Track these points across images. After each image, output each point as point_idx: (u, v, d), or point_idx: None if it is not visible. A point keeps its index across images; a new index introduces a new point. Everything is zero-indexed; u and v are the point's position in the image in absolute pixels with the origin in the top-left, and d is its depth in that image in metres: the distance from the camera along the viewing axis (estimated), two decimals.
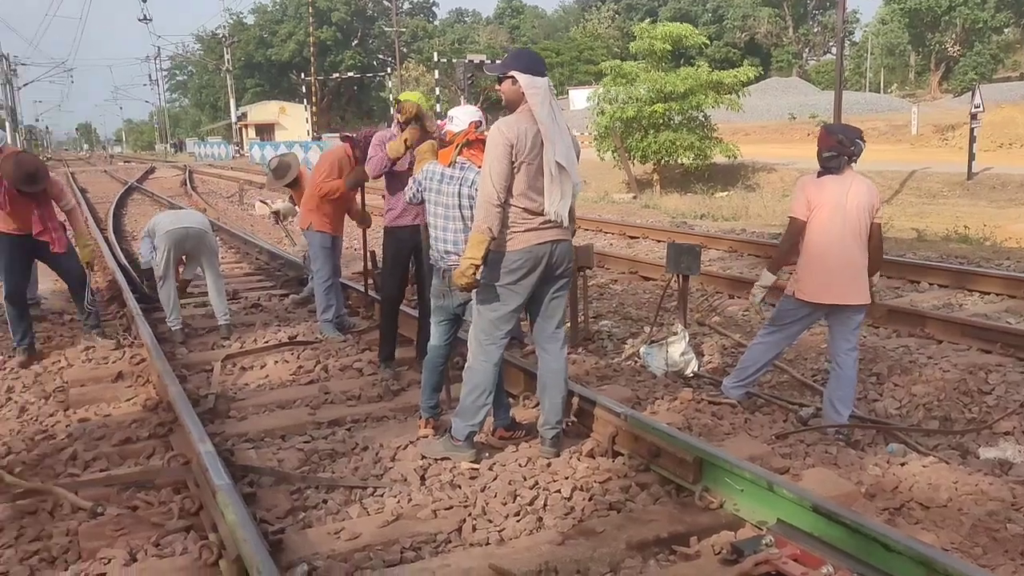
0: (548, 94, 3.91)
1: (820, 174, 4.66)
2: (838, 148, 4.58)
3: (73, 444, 4.58)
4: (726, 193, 20.80)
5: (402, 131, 5.32)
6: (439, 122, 4.95)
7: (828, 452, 4.29)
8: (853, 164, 4.64)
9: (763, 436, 4.48)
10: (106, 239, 12.51)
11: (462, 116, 4.47)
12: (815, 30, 72.87)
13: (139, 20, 59.24)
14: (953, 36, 59.31)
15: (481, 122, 4.44)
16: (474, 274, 3.90)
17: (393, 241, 5.51)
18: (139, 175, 35.48)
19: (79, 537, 3.49)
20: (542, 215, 3.93)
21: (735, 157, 22.32)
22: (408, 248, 5.47)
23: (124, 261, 9.95)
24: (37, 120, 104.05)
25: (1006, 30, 62.86)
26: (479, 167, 4.21)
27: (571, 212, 4.10)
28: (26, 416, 5.14)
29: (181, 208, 6.73)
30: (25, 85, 67.61)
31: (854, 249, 4.59)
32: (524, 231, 3.94)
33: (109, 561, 3.28)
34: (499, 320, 4.09)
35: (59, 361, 6.23)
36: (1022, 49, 61.90)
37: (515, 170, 3.88)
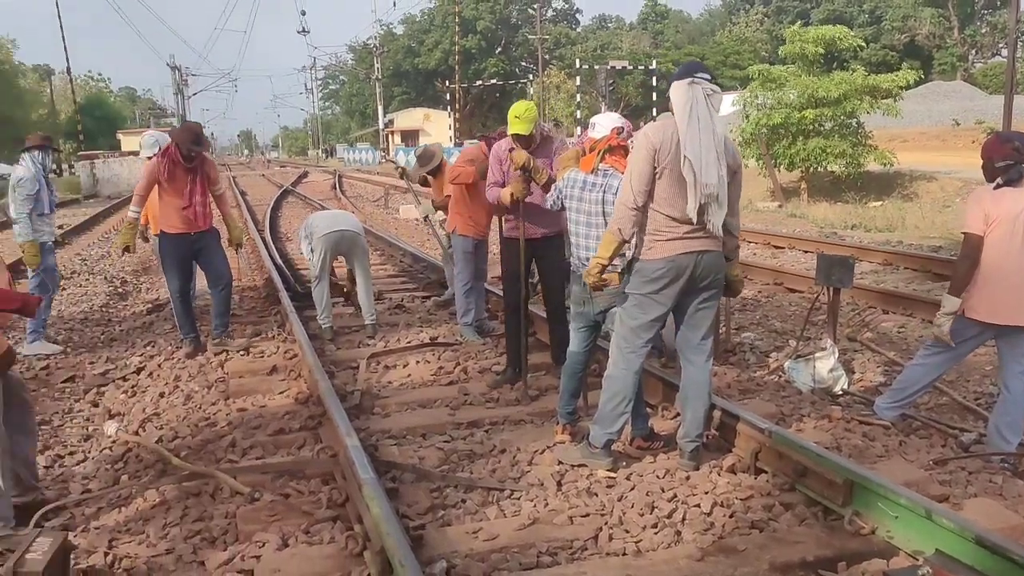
0: (691, 98, 3.79)
1: (997, 186, 4.33)
2: (1015, 156, 4.25)
3: (232, 432, 4.87)
4: (880, 203, 19.78)
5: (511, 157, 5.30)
6: (583, 134, 4.95)
7: (992, 482, 4.00)
8: None
9: (920, 461, 4.23)
10: (263, 239, 13.26)
11: (604, 123, 4.47)
12: (983, 31, 68.22)
13: (298, 32, 62.62)
14: None
15: (623, 128, 4.41)
16: (600, 273, 4.00)
17: (510, 251, 5.51)
18: (293, 179, 37.36)
19: (237, 520, 3.71)
20: (690, 223, 3.86)
21: (891, 165, 21.18)
22: (526, 258, 5.44)
23: (279, 261, 10.50)
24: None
25: None
26: (622, 173, 4.20)
27: (733, 225, 4.03)
28: (191, 404, 5.50)
29: (335, 209, 6.98)
30: (195, 94, 72.61)
31: None
32: (668, 240, 3.89)
33: (263, 545, 3.46)
34: (640, 328, 4.05)
35: (221, 353, 6.62)
36: None
37: (657, 176, 3.84)
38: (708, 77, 3.83)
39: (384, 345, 6.73)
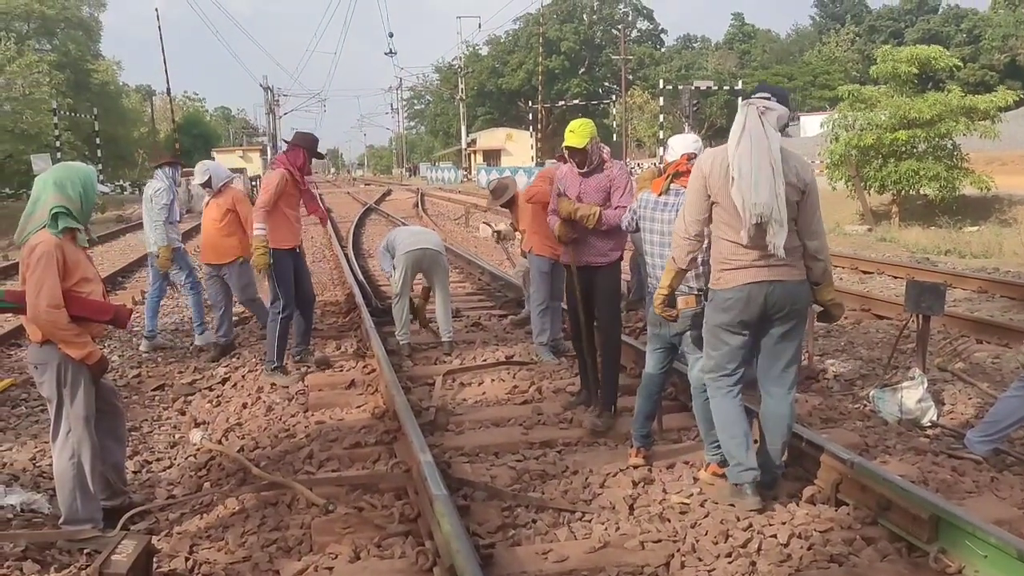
0: (743, 117, 3.74)
1: None
2: None
3: (310, 444, 4.98)
4: (976, 228, 19.00)
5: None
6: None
7: None
8: None
9: (1013, 499, 4.02)
10: (346, 255, 13.56)
11: (676, 147, 4.46)
12: None
13: (385, 54, 64.08)
14: None
15: (695, 154, 4.35)
16: (663, 304, 4.07)
17: (566, 278, 5.56)
18: (377, 196, 38.13)
19: (312, 531, 3.78)
20: (759, 250, 3.75)
21: (988, 189, 20.34)
22: (582, 286, 5.35)
23: (361, 277, 10.71)
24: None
25: None
26: None
27: (814, 248, 3.84)
28: (272, 415, 5.65)
29: (417, 226, 7.11)
30: (286, 114, 74.92)
31: None
32: (736, 268, 3.81)
33: (336, 556, 3.53)
34: (722, 359, 3.98)
35: (301, 366, 6.78)
36: None
37: (714, 203, 3.81)
38: (767, 95, 3.78)
39: (460, 362, 6.79)
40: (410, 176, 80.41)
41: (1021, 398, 4.50)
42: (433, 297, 7.45)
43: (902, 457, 4.56)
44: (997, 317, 8.44)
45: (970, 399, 5.72)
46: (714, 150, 3.89)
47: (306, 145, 6.59)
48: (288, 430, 5.30)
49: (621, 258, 5.38)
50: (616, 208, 5.09)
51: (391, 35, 71.56)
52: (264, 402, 5.94)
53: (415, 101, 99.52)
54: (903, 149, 20.66)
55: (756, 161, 3.67)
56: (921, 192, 21.11)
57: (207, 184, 7.40)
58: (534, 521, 3.88)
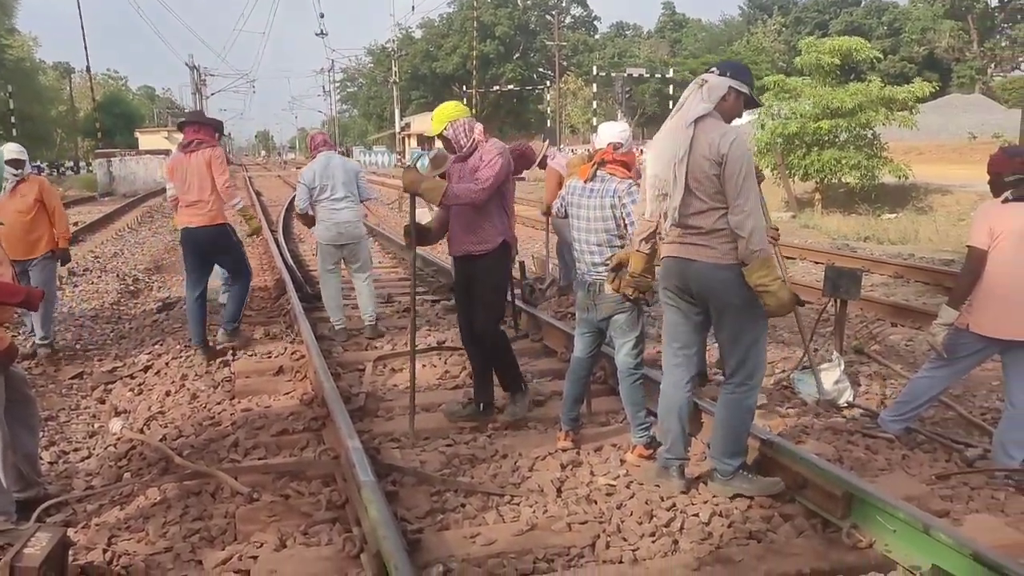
0: (686, 92, 3.74)
1: (1005, 200, 4.29)
2: (1022, 171, 4.23)
3: (236, 432, 4.90)
4: (894, 215, 19.67)
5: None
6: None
7: (995, 498, 3.97)
8: None
9: (922, 475, 4.20)
10: (276, 240, 13.32)
11: (603, 135, 4.49)
12: (1003, 44, 67.80)
13: (316, 35, 62.93)
14: None
15: (621, 144, 4.38)
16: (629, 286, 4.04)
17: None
18: None
19: (236, 520, 3.73)
20: (677, 227, 3.73)
21: (906, 177, 21.05)
22: (462, 278, 5.07)
23: (291, 262, 10.55)
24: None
25: None
26: (621, 178, 4.25)
27: (733, 224, 3.57)
28: (197, 403, 5.54)
29: (343, 213, 7.01)
30: (213, 94, 73.01)
31: None
32: (665, 243, 3.87)
33: (261, 545, 3.49)
34: (668, 336, 4.03)
35: (227, 353, 6.66)
36: None
37: None
38: (717, 69, 3.73)
39: (391, 348, 6.75)
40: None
41: (931, 379, 4.69)
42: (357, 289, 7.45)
43: (819, 436, 4.72)
44: (911, 301, 8.76)
45: (884, 380, 5.94)
46: None
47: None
48: (213, 418, 5.20)
49: (506, 246, 4.93)
50: (472, 184, 4.73)
51: (322, 16, 70.05)
52: (188, 390, 5.81)
53: (348, 84, 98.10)
54: (826, 138, 21.21)
55: (667, 131, 3.71)
56: (842, 180, 21.73)
57: (18, 166, 6.72)
58: (463, 505, 3.90)
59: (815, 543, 3.46)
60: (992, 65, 68.16)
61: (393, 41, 70.87)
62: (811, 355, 5.61)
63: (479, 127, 4.89)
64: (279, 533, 3.56)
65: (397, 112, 65.74)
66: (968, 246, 4.36)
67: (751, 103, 3.81)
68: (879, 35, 65.77)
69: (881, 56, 27.10)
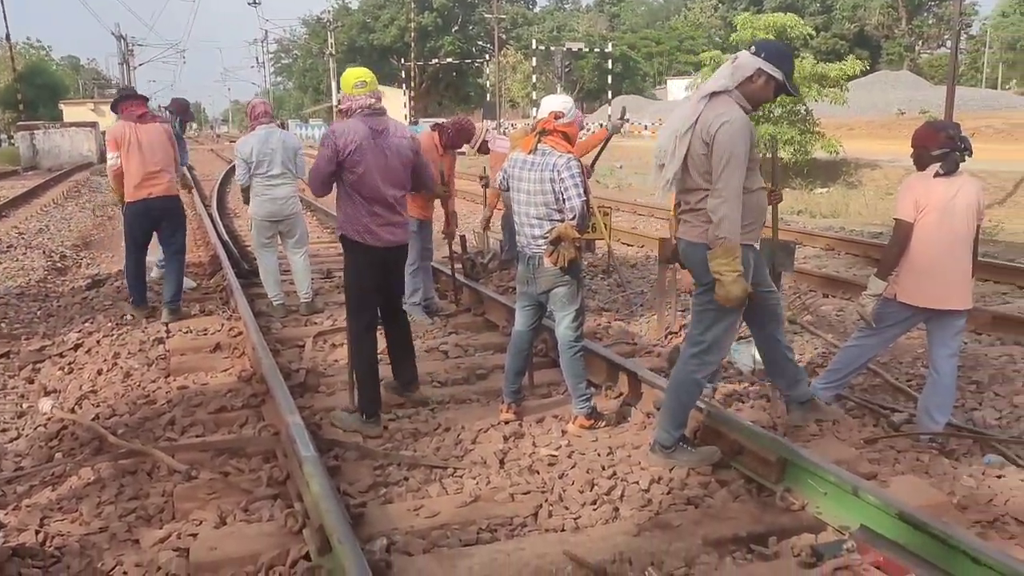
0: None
1: (936, 174, 4.41)
2: (950, 144, 4.36)
3: (172, 410, 4.81)
4: (826, 189, 20.17)
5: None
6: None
7: (920, 460, 4.14)
8: (963, 161, 4.42)
9: (851, 440, 4.35)
10: (210, 215, 13.03)
11: (545, 105, 4.48)
12: (929, 22, 69.65)
13: (249, 4, 61.26)
14: None
15: (563, 113, 4.38)
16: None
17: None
18: None
19: (174, 498, 3.67)
20: (678, 204, 3.91)
21: (837, 153, 21.57)
22: (378, 274, 4.67)
23: (226, 237, 10.34)
24: (150, 98, 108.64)
25: None
26: (561, 152, 4.26)
27: (709, 207, 3.58)
28: (130, 381, 5.41)
29: (280, 190, 6.91)
30: (141, 65, 70.51)
31: (960, 252, 4.37)
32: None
33: (200, 523, 3.44)
34: None
35: (161, 330, 6.51)
36: None
37: None
38: (753, 48, 3.68)
39: (331, 324, 6.69)
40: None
41: (860, 347, 4.84)
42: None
43: (754, 404, 4.84)
44: (842, 273, 9.01)
45: (816, 349, 6.12)
46: None
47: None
48: (148, 396, 5.09)
49: (345, 240, 4.61)
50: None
51: None
52: (121, 368, 5.67)
53: (282, 55, 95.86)
54: (760, 113, 21.55)
55: (680, 110, 3.76)
56: (777, 155, 22.14)
57: None
58: (406, 479, 3.91)
59: (750, 507, 3.56)
60: (919, 43, 70.03)
61: (329, 12, 69.35)
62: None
63: (345, 102, 4.55)
64: (219, 510, 3.52)
65: (334, 85, 64.50)
66: (895, 219, 4.49)
67: (782, 90, 3.70)
68: (812, 12, 66.86)
69: (814, 33, 27.60)
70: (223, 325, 6.56)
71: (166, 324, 6.68)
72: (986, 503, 3.64)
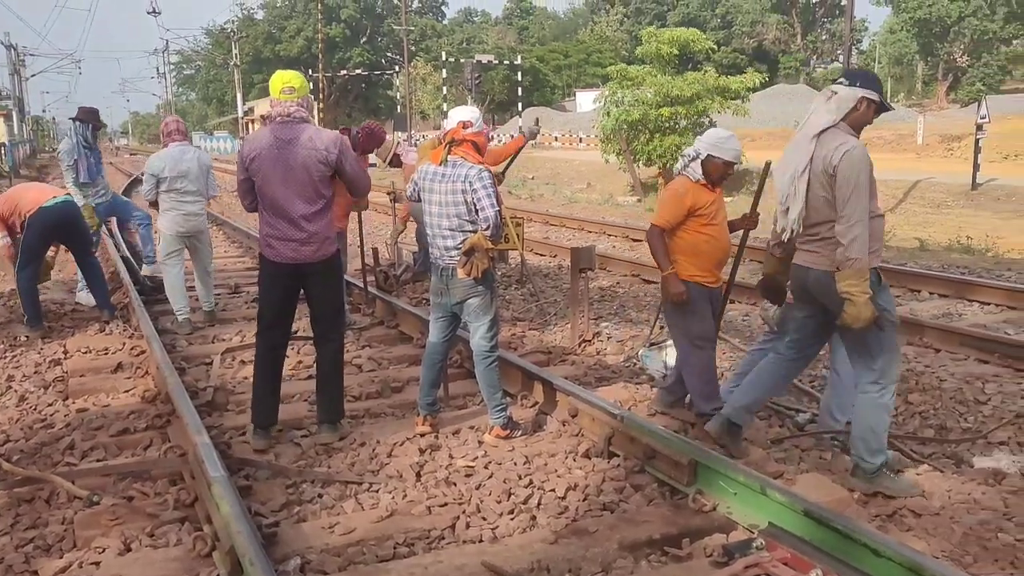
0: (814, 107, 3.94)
1: None
2: None
3: (71, 434, 4.61)
4: (730, 198, 20.77)
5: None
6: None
7: (823, 458, 4.30)
8: None
9: (759, 440, 4.48)
10: (109, 231, 12.54)
11: (453, 116, 4.48)
12: (823, 38, 72.73)
13: (148, 13, 59.33)
14: (961, 47, 59.21)
15: (471, 122, 4.39)
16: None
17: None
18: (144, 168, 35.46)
19: (75, 526, 3.51)
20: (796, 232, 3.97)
21: (740, 163, 22.29)
22: (292, 291, 4.51)
23: (127, 252, 9.97)
24: (44, 111, 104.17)
25: (1015, 42, 62.78)
26: (472, 163, 4.27)
27: (837, 232, 3.72)
28: (25, 405, 5.17)
29: (189, 205, 6.83)
30: (33, 76, 67.56)
31: None
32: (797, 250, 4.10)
33: (103, 550, 3.30)
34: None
35: (58, 351, 6.24)
36: None
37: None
38: (843, 80, 3.88)
39: (240, 340, 6.52)
40: None
41: (765, 351, 4.99)
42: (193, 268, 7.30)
43: (666, 410, 4.94)
44: (747, 279, 9.28)
45: (724, 354, 6.29)
46: None
47: None
48: (45, 420, 4.86)
49: (260, 257, 4.50)
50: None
51: None
52: (15, 391, 5.41)
53: (184, 66, 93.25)
54: (667, 125, 22.10)
55: (792, 146, 3.91)
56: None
57: None
58: (320, 496, 3.84)
59: (664, 510, 3.63)
60: (814, 57, 73.07)
61: (233, 22, 67.99)
62: (658, 332, 5.86)
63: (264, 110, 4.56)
64: (123, 537, 3.38)
65: (239, 96, 63.10)
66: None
67: (882, 109, 3.87)
68: (713, 27, 68.89)
69: (715, 47, 28.50)
70: (124, 344, 6.33)
71: (106, 323, 6.88)
72: (885, 497, 3.80)
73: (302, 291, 4.54)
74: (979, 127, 19.43)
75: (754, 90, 23.28)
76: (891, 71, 69.13)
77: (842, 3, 61.95)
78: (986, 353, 6.08)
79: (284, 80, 4.32)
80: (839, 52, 66.20)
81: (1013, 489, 3.93)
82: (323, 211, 4.41)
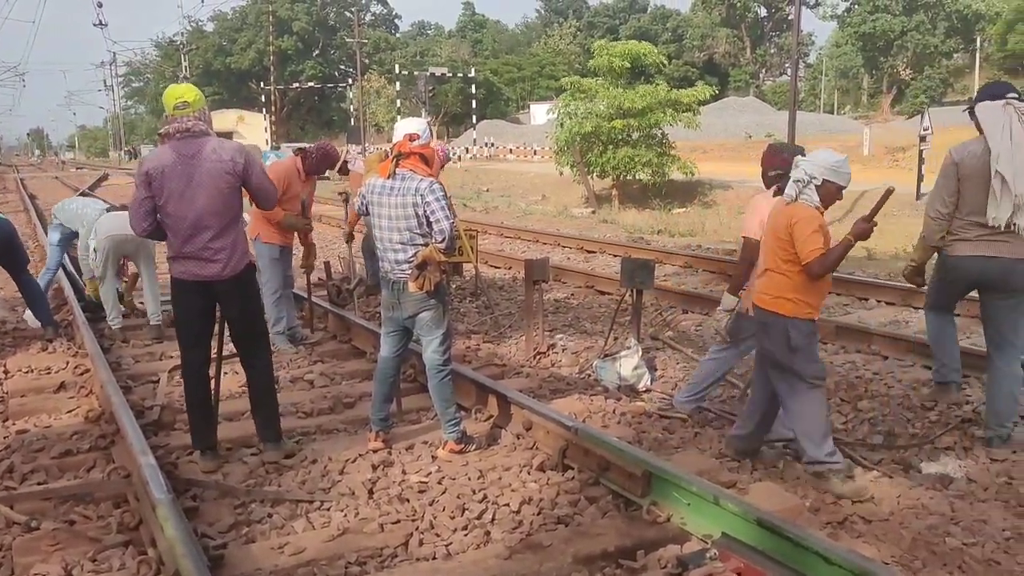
0: (1007, 118, 4.45)
1: (776, 193, 4.66)
2: (785, 166, 4.62)
3: (10, 456, 4.45)
4: (683, 209, 21.03)
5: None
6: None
7: (775, 467, 4.33)
8: None
9: (712, 450, 4.51)
10: None
11: (400, 129, 4.44)
12: (771, 51, 74.21)
13: (94, 25, 58.26)
14: (905, 60, 60.91)
15: (418, 135, 4.35)
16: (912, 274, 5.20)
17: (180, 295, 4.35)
18: (91, 182, 34.80)
19: (13, 552, 3.39)
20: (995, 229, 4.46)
21: (692, 174, 22.57)
22: (209, 307, 4.38)
23: (71, 269, 9.72)
24: None
25: (955, 55, 64.78)
26: (422, 176, 4.23)
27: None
28: None
29: (122, 211, 6.84)
30: None
31: None
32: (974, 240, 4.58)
33: None
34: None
35: None
36: (971, 74, 63.72)
37: (961, 187, 4.56)
38: (1016, 96, 4.51)
39: None
40: (130, 159, 74.12)
41: (717, 360, 5.04)
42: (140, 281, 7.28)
43: (620, 420, 4.95)
44: (700, 289, 9.38)
45: (678, 364, 6.33)
46: (964, 143, 4.64)
47: None
48: None
49: (251, 268, 4.47)
50: None
51: (100, 4, 64.30)
52: None
53: (132, 78, 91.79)
54: (620, 137, 22.35)
55: (1020, 159, 4.41)
56: (637, 177, 22.97)
57: None
58: (270, 515, 3.76)
59: (618, 522, 3.62)
60: (763, 70, 74.47)
61: (182, 34, 67.12)
62: (612, 343, 5.87)
63: (166, 124, 4.29)
64: (63, 562, 3.27)
65: None
66: (743, 237, 4.72)
67: None
68: (664, 40, 69.89)
69: (667, 61, 28.84)
70: (68, 362, 6.16)
71: (49, 340, 6.78)
72: (835, 504, 3.85)
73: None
74: (922, 138, 19.95)
75: (705, 103, 23.66)
76: (837, 84, 70.78)
77: (789, 17, 63.33)
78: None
79: (177, 95, 4.19)
80: (787, 65, 67.50)
81: (959, 494, 4.01)
82: (231, 226, 4.26)
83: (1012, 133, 4.40)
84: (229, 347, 4.67)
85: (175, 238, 4.21)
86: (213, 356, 4.53)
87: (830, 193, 4.02)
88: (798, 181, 4.00)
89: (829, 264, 4.01)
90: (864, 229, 3.96)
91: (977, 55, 59.77)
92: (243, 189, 4.33)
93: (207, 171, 4.13)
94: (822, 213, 4.05)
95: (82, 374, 5.84)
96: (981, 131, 4.54)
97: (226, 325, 4.56)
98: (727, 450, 4.48)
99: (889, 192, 3.92)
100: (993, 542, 3.51)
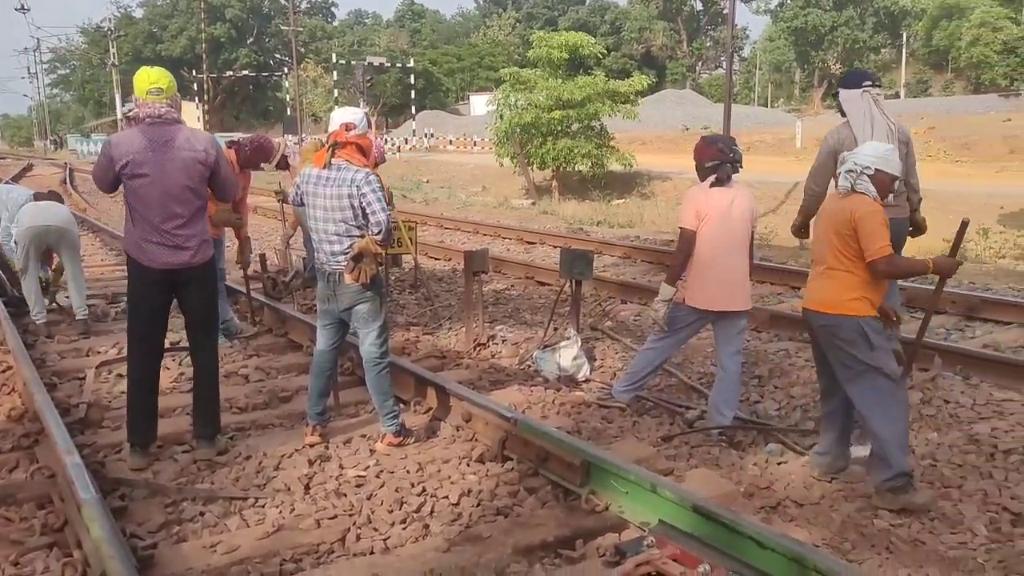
0: (866, 105, 4.78)
1: (712, 184, 4.72)
2: (720, 156, 4.69)
3: None
4: (622, 200, 21.22)
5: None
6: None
7: (711, 453, 4.39)
8: (736, 172, 4.76)
9: (650, 439, 4.55)
10: None
11: (336, 118, 4.36)
12: (707, 44, 75.33)
13: (16, 10, 56.15)
14: (835, 55, 62.46)
15: (354, 124, 4.28)
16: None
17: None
18: (14, 172, 33.49)
19: None
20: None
21: (631, 166, 22.77)
22: (167, 298, 4.32)
23: None
24: None
25: (883, 50, 66.66)
26: (357, 167, 4.17)
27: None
28: None
29: (45, 201, 6.64)
30: None
31: (739, 257, 4.71)
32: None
33: None
34: None
35: None
36: (897, 68, 65.64)
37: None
38: (870, 83, 4.82)
39: (117, 352, 6.20)
40: (56, 149, 71.68)
41: (655, 350, 5.08)
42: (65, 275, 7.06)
43: (560, 411, 4.96)
44: (638, 279, 9.46)
45: (617, 354, 6.37)
46: (838, 128, 4.90)
47: None
48: None
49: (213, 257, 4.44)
50: None
51: None
52: None
53: (58, 65, 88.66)
54: (559, 128, 22.41)
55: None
56: (576, 168, 23.08)
57: None
58: (202, 514, 3.68)
59: (557, 512, 3.63)
60: (699, 63, 75.54)
61: (110, 20, 65.00)
62: (552, 334, 5.88)
63: (136, 107, 4.22)
64: None
65: (118, 97, 60.30)
66: (679, 227, 4.77)
67: None
68: (602, 32, 70.30)
69: (605, 52, 29.07)
70: None
71: None
72: (769, 489, 3.92)
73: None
74: None
75: (643, 94, 23.87)
76: (771, 78, 72.15)
77: (724, 11, 64.31)
78: None
79: (151, 80, 4.11)
80: (723, 59, 68.62)
81: None
82: (199, 213, 4.27)
83: (872, 118, 4.76)
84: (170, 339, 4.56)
85: (143, 223, 4.13)
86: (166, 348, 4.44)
87: (884, 184, 3.89)
88: (851, 172, 3.89)
89: (896, 271, 3.99)
90: (949, 267, 3.89)
91: (904, 50, 61.69)
92: None
93: (180, 160, 4.11)
94: (881, 205, 3.91)
95: (4, 371, 5.62)
96: (844, 115, 4.93)
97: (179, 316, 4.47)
98: (815, 471, 4.15)
99: (966, 224, 3.84)
100: (919, 522, 3.62)
